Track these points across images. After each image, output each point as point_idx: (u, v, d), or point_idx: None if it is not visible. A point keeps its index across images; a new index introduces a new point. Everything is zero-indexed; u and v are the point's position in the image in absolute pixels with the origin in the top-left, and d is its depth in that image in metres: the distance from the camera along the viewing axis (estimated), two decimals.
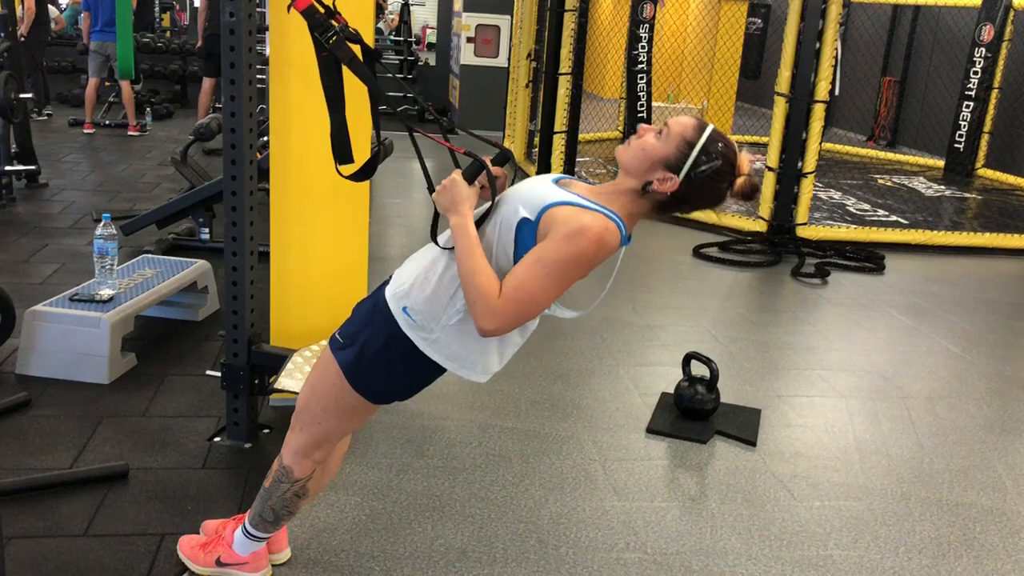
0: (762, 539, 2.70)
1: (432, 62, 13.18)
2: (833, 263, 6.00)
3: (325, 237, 3.16)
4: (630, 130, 11.19)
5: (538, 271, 1.75)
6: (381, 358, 1.94)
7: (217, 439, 3.02)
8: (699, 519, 2.79)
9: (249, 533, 2.25)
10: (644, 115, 11.21)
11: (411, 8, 12.98)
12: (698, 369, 3.54)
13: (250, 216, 2.88)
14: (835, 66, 6.29)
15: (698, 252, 6.09)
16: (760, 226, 6.56)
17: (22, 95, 5.87)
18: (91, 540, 2.42)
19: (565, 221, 1.75)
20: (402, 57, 12.57)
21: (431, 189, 1.89)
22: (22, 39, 9.25)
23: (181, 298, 4.05)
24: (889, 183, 9.40)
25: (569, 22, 7.46)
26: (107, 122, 9.66)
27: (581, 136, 10.59)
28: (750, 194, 1.84)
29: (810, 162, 6.39)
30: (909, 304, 5.29)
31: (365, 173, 2.13)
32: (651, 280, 5.45)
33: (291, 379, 2.78)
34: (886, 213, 7.70)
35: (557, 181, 1.90)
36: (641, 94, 11.19)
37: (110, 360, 3.37)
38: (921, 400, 3.85)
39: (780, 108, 6.39)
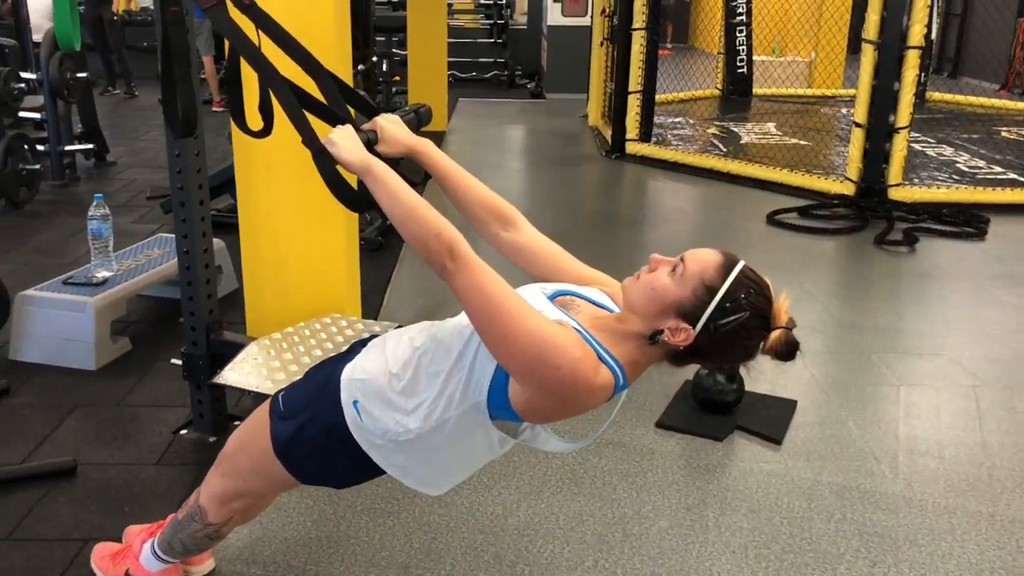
0: (758, 560, 2.32)
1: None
2: (925, 228, 5.37)
3: (295, 214, 2.93)
4: (729, 88, 10.55)
5: (523, 308, 1.40)
6: (319, 445, 1.68)
7: (183, 431, 2.86)
8: (689, 533, 2.43)
9: (157, 554, 2.06)
10: (744, 70, 10.55)
11: None
12: None
13: (199, 195, 2.67)
14: (931, 7, 5.60)
15: (773, 218, 5.58)
16: (847, 188, 5.96)
17: (79, 75, 5.89)
18: (10, 545, 2.28)
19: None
20: (492, 21, 12.25)
21: (312, 140, 1.57)
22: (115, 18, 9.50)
23: None
24: (1014, 136, 8.48)
25: None
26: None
27: (676, 95, 10.07)
28: (787, 353, 1.46)
29: (903, 116, 5.73)
30: (1008, 275, 4.65)
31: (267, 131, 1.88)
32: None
33: (235, 372, 2.58)
34: (1002, 170, 6.90)
35: (555, 297, 1.56)
36: (741, 48, 10.54)
37: (96, 345, 3.27)
38: (996, 390, 3.32)
39: (868, 57, 5.75)
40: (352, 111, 1.79)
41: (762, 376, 3.32)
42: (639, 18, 7.08)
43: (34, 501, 2.47)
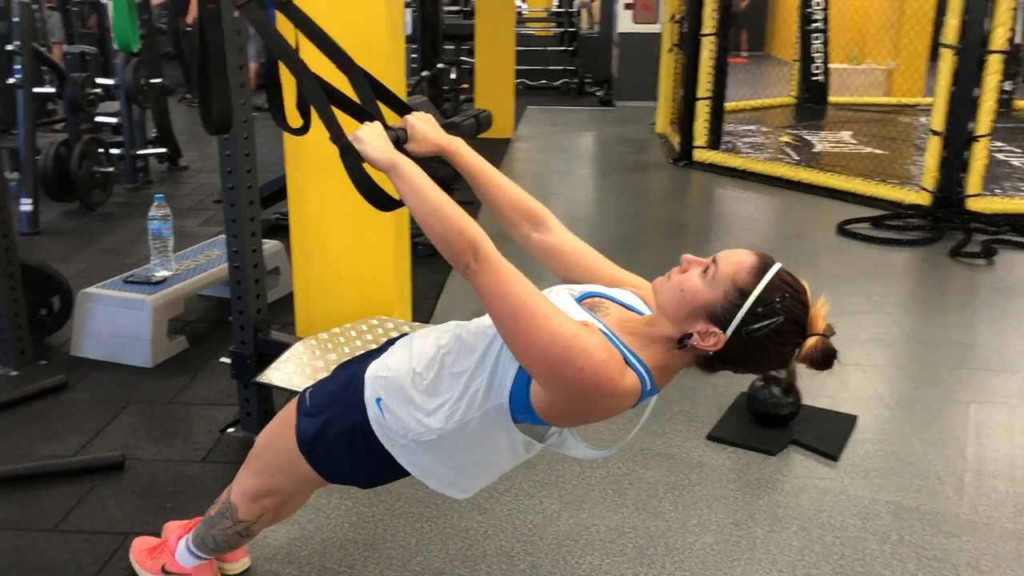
0: None
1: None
2: (1006, 240, 5.13)
3: (344, 215, 2.93)
4: (804, 96, 10.31)
5: (546, 309, 1.36)
6: (342, 443, 1.67)
7: (231, 430, 2.88)
8: (735, 549, 2.34)
9: (191, 549, 2.07)
10: (820, 78, 10.29)
11: None
12: None
13: (249, 196, 2.69)
14: (1016, 10, 5.36)
15: (843, 228, 5.40)
16: (923, 198, 5.74)
17: (153, 80, 6.05)
18: (55, 536, 2.32)
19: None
20: (562, 29, 12.22)
21: (339, 136, 1.55)
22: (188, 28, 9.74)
23: None
24: None
25: None
26: (266, 105, 9.98)
27: (749, 103, 9.89)
28: (823, 362, 1.37)
29: (983, 123, 5.48)
30: None
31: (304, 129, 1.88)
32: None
33: (278, 371, 2.58)
34: None
35: (583, 299, 1.52)
36: (816, 56, 10.27)
37: (153, 343, 3.32)
38: None
39: (947, 62, 5.52)
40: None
41: (822, 390, 3.20)
42: (709, 24, 6.96)
43: (82, 494, 2.51)
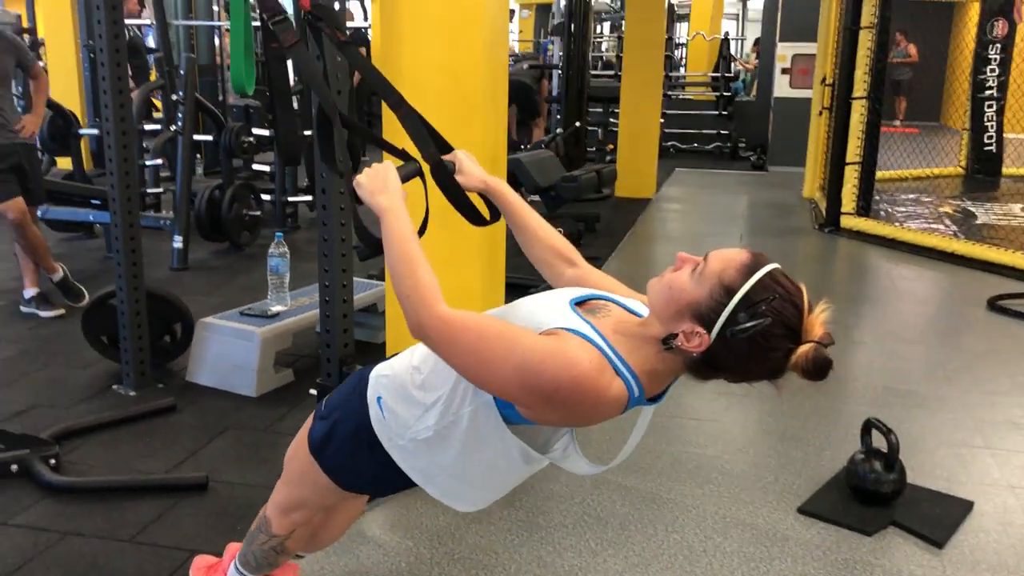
0: None
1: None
2: None
3: (434, 259, 2.96)
4: (974, 167, 9.74)
5: (506, 343, 1.37)
6: (348, 446, 1.70)
7: None
8: None
9: (238, 568, 2.11)
10: (992, 148, 9.69)
11: (731, 43, 12.51)
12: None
13: (340, 233, 2.78)
14: None
15: (995, 304, 4.99)
16: None
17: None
18: (129, 546, 2.43)
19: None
20: (718, 93, 12.11)
21: (347, 181, 1.60)
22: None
23: (362, 319, 4.08)
24: None
25: (865, 41, 6.62)
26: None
27: (912, 172, 9.43)
28: (814, 372, 1.29)
29: None
30: None
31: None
32: (918, 331, 4.54)
33: None
34: None
35: (579, 303, 1.52)
36: (989, 124, 9.69)
37: (258, 373, 3.45)
38: None
39: None
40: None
41: (936, 470, 2.94)
42: (860, 87, 6.71)
43: (164, 509, 2.62)
